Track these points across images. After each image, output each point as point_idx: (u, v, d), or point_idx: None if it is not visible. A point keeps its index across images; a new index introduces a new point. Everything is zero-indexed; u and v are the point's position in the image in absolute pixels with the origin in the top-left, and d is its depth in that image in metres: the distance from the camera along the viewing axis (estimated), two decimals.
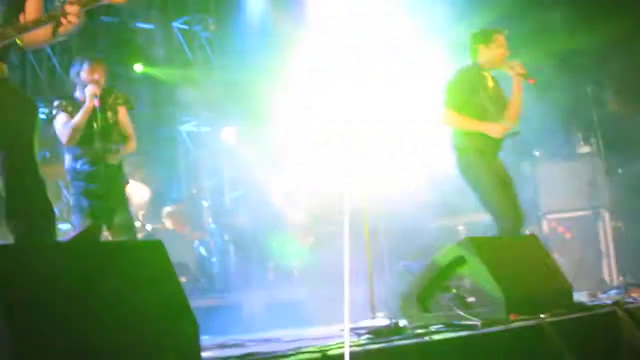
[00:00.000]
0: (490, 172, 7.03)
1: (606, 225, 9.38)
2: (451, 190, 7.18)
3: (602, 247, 9.40)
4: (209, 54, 13.79)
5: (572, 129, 10.00)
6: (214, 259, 10.30)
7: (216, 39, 13.82)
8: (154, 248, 3.62)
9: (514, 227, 6.91)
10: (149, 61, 12.66)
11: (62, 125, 6.84)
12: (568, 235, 9.49)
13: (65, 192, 9.82)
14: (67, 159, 7.00)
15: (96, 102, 6.73)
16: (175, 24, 13.51)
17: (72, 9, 4.30)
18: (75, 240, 4.31)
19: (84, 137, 6.81)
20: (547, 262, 5.87)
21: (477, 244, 5.38)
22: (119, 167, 7.07)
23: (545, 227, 9.61)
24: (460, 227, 9.49)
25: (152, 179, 10.59)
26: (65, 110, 6.87)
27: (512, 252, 5.68)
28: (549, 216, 9.66)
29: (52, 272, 3.21)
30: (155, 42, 13.25)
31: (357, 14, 9.55)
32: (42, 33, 4.47)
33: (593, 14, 9.97)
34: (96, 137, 6.76)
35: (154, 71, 12.62)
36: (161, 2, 13.39)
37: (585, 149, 9.80)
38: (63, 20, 4.32)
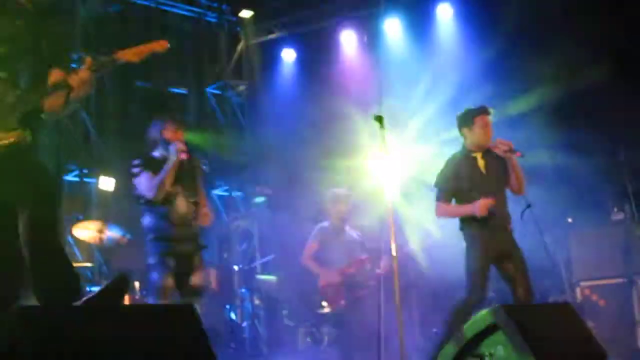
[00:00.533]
0: (482, 249, 7.02)
1: None
2: None
3: (636, 315, 9.28)
4: (240, 118, 13.91)
5: (605, 195, 9.94)
6: (244, 324, 10.26)
7: (248, 104, 13.96)
8: (186, 312, 3.62)
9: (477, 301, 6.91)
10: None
11: (148, 181, 6.87)
12: (602, 303, 9.40)
13: (98, 255, 9.84)
14: (150, 217, 6.96)
15: (184, 156, 6.86)
16: (209, 90, 13.69)
17: (82, 74, 4.41)
18: (103, 297, 4.26)
19: (170, 196, 6.88)
20: (581, 330, 5.81)
21: (510, 311, 5.33)
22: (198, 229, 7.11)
23: (578, 294, 9.53)
24: (492, 294, 9.40)
25: None
26: (147, 168, 6.92)
27: (546, 320, 5.63)
28: (583, 283, 9.58)
29: (76, 336, 3.21)
30: (189, 106, 13.40)
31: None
32: (57, 99, 4.53)
33: (626, 75, 9.96)
34: (182, 196, 6.89)
35: (186, 136, 12.68)
36: (195, 68, 13.57)
37: (618, 216, 9.74)
38: (74, 86, 4.41)
